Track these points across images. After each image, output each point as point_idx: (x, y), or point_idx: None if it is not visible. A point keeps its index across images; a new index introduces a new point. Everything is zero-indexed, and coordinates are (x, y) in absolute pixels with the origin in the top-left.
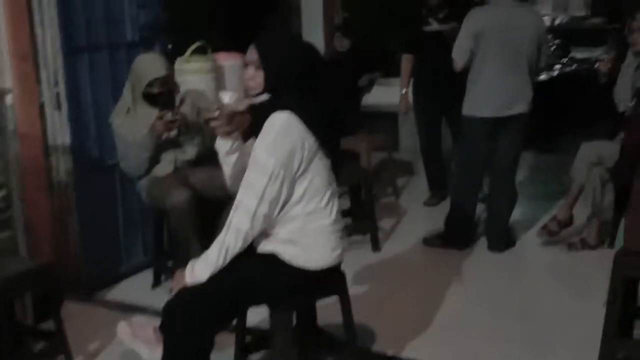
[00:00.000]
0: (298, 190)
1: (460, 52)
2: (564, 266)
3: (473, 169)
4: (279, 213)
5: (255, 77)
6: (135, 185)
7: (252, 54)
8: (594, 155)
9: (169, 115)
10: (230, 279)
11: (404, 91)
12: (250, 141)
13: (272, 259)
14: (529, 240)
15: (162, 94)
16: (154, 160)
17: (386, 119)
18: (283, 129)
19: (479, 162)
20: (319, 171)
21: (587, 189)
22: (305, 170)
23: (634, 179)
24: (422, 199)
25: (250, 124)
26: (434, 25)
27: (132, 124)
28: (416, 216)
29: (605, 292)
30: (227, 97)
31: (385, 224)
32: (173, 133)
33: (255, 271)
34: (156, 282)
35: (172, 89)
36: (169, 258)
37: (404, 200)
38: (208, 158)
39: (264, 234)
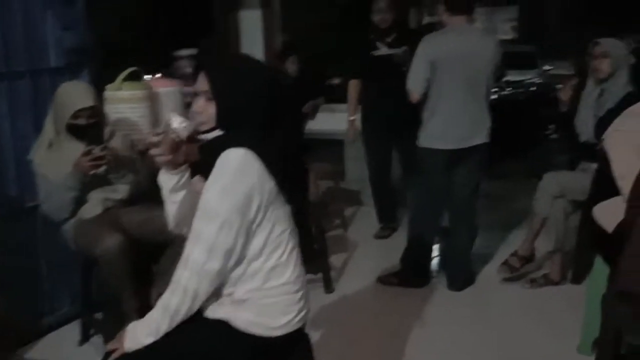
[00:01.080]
0: (256, 242)
1: (417, 82)
2: (528, 304)
3: (431, 203)
4: (234, 269)
5: (206, 110)
6: (60, 229)
7: (202, 82)
8: (557, 187)
9: (97, 150)
10: (174, 350)
11: (351, 118)
12: (196, 178)
13: (224, 327)
14: (489, 277)
15: (90, 126)
16: (81, 200)
17: (331, 146)
18: (239, 169)
19: (437, 196)
20: (279, 219)
21: (549, 223)
22: (263, 219)
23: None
24: (371, 230)
25: (198, 161)
26: (382, 50)
27: (55, 160)
28: (367, 250)
29: (575, 332)
30: (176, 122)
31: (335, 260)
32: (102, 170)
33: (204, 342)
34: (84, 338)
35: (100, 120)
36: (98, 310)
37: (353, 233)
38: (143, 197)
39: (215, 295)
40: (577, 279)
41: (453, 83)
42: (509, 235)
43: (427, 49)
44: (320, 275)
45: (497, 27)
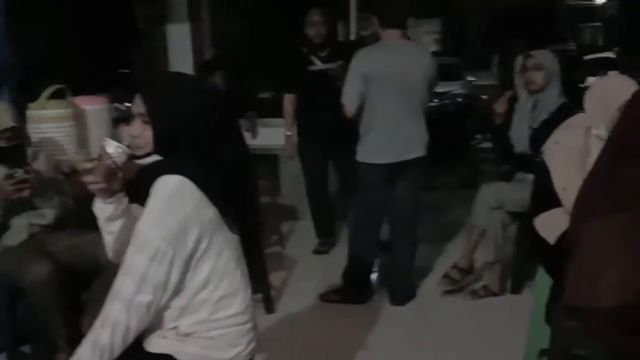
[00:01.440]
0: (201, 273)
1: (351, 96)
2: (470, 316)
3: (370, 218)
4: (172, 301)
5: (143, 134)
6: None
7: (138, 105)
8: (494, 199)
9: (19, 173)
10: None
11: (288, 133)
12: (134, 206)
13: None
14: (430, 290)
15: (11, 148)
16: (3, 226)
17: (265, 161)
18: (173, 198)
19: (377, 211)
20: (225, 247)
21: (488, 234)
22: (207, 249)
23: (581, 227)
24: (310, 246)
25: (136, 188)
26: (318, 65)
27: None
28: (307, 267)
29: (518, 343)
30: (111, 147)
31: (274, 278)
32: (25, 194)
33: None
34: None
35: (22, 141)
36: (25, 343)
37: (291, 249)
38: (71, 221)
39: (159, 328)
40: (517, 289)
41: (388, 97)
42: (446, 246)
43: (360, 63)
44: (260, 295)
45: (421, 39)
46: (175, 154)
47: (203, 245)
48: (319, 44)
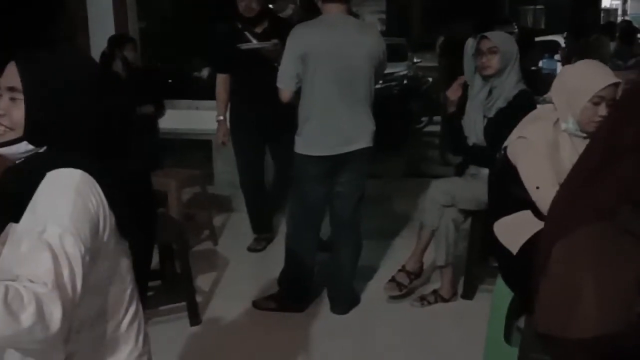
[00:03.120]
0: (91, 305)
1: (285, 79)
2: (418, 324)
3: (309, 216)
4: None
5: (10, 113)
6: None
7: (10, 76)
8: (446, 196)
9: None
10: None
11: (220, 118)
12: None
13: None
14: (375, 295)
15: None
16: None
17: (197, 147)
18: (78, 191)
19: (316, 207)
20: (119, 273)
21: (438, 234)
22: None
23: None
24: (245, 242)
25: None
26: (251, 43)
27: None
28: (240, 266)
29: (472, 354)
30: None
31: (203, 281)
32: None
33: None
34: None
35: None
36: None
37: (223, 246)
38: None
39: None
40: (469, 293)
41: (328, 80)
42: (391, 243)
43: (296, 41)
44: (184, 304)
45: (366, 19)
46: (56, 145)
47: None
48: (252, 19)
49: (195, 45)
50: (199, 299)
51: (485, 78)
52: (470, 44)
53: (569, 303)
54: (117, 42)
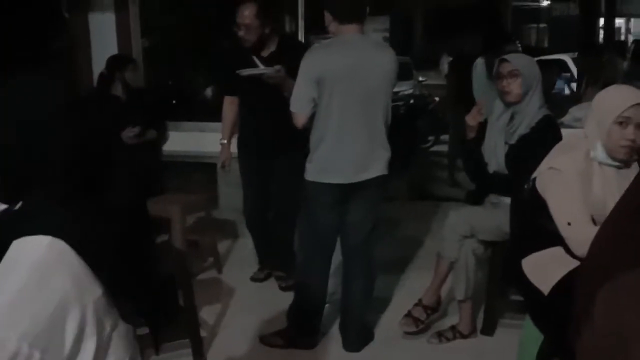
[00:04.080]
0: None
1: (301, 103)
2: None
3: (320, 246)
4: None
5: None
6: None
7: None
8: (466, 226)
9: None
10: None
11: (223, 141)
12: None
13: None
14: (389, 330)
15: None
16: None
17: (202, 170)
18: (41, 271)
19: (328, 237)
20: (116, 348)
21: (458, 267)
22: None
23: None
24: (250, 269)
25: None
26: (252, 69)
27: None
28: (245, 297)
29: None
30: None
31: (207, 313)
32: None
33: None
34: None
35: None
36: None
37: (228, 274)
38: None
39: None
40: (489, 329)
41: (344, 104)
42: (405, 272)
43: (312, 64)
44: (187, 341)
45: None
46: (28, 195)
47: (88, 346)
48: (256, 44)
49: (200, 62)
50: (203, 333)
51: (507, 103)
52: (480, 63)
53: (616, 352)
54: (116, 63)
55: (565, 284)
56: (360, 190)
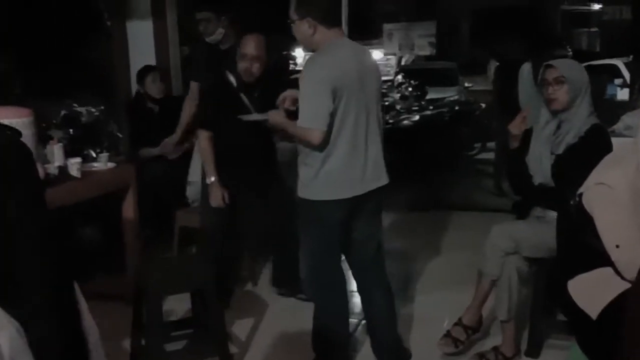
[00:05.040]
0: None
1: (320, 119)
2: None
3: (335, 270)
4: None
5: None
6: None
7: None
8: (509, 242)
9: None
10: None
11: (212, 179)
12: None
13: None
14: (428, 351)
15: None
16: None
17: None
18: None
19: (339, 258)
20: None
21: (500, 285)
22: None
23: None
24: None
25: None
26: (255, 115)
27: None
28: (281, 312)
29: None
30: None
31: (239, 329)
32: None
33: None
34: None
35: None
36: None
37: (263, 287)
38: None
39: None
40: (534, 351)
41: (358, 112)
42: (446, 289)
43: (327, 72)
44: (217, 357)
45: (415, 43)
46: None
47: None
48: (250, 83)
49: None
50: (234, 349)
51: (553, 111)
52: (526, 69)
53: None
54: (138, 76)
55: (615, 308)
56: (366, 202)
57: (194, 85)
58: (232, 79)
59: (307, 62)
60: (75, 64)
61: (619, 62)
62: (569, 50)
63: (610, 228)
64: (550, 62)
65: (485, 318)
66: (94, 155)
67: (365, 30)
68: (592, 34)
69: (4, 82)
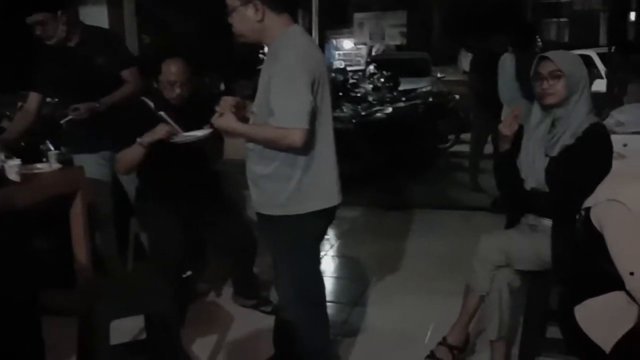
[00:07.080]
0: None
1: (305, 116)
2: None
3: (318, 285)
4: None
5: None
6: None
7: None
8: (499, 255)
9: None
10: None
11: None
12: None
13: None
14: None
15: None
16: None
17: None
18: None
19: (321, 273)
20: None
21: (489, 301)
22: None
23: None
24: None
25: None
26: (187, 135)
27: None
28: (246, 326)
29: None
30: None
31: (200, 348)
32: None
33: None
34: None
35: None
36: None
37: (228, 297)
38: None
39: None
40: None
41: (328, 110)
42: (428, 300)
43: (306, 62)
44: None
45: (386, 33)
46: None
47: None
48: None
49: (209, 61)
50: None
51: (547, 108)
52: (508, 60)
53: None
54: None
55: (632, 341)
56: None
57: (33, 97)
58: (148, 101)
59: (279, 51)
60: (27, 53)
61: (592, 53)
62: (539, 41)
63: (625, 252)
64: (546, 54)
65: (473, 335)
66: (51, 148)
67: (335, 19)
68: (562, 24)
69: None
